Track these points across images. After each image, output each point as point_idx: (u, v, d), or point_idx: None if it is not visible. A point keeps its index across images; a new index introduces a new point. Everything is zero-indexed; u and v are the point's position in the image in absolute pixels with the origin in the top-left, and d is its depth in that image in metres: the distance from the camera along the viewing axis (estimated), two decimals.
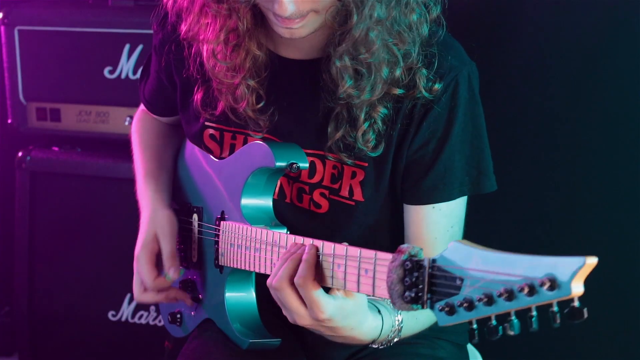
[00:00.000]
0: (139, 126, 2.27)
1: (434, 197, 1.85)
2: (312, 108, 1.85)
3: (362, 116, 1.78)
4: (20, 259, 3.03)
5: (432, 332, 1.95)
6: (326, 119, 1.83)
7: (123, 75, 2.92)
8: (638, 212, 2.38)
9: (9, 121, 3.04)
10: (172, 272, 1.97)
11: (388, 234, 1.95)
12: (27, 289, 3.04)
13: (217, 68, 1.86)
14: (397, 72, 1.76)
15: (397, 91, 1.79)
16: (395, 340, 1.80)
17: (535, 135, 2.50)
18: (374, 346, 1.80)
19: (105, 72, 2.93)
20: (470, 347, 2.14)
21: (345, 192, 1.89)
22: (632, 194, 2.38)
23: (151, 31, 2.05)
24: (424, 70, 1.79)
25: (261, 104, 1.88)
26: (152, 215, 2.04)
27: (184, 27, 1.87)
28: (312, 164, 1.89)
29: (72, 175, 2.99)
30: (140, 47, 2.89)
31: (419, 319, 1.84)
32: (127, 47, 2.90)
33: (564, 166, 2.48)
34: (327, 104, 1.81)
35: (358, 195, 1.87)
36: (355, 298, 1.65)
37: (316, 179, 1.90)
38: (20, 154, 3.01)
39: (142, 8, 2.93)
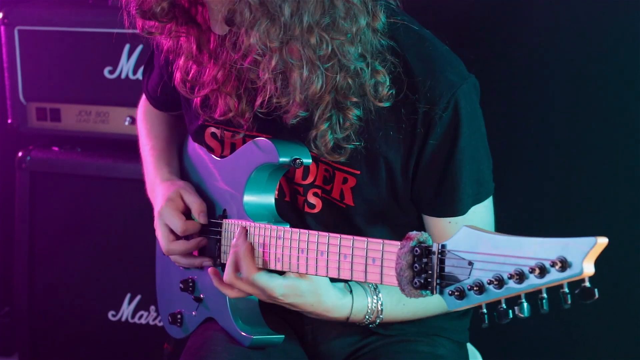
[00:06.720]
0: (146, 116, 2.28)
1: (446, 212, 1.86)
2: None
3: (317, 115, 1.75)
4: (20, 259, 3.03)
5: (432, 330, 1.97)
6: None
7: (123, 75, 2.91)
8: (638, 212, 2.39)
9: (9, 121, 3.04)
10: (202, 217, 1.96)
11: (380, 236, 1.94)
12: (27, 289, 3.03)
13: (188, 85, 1.87)
14: (340, 81, 1.72)
15: (353, 98, 1.75)
16: (378, 321, 1.84)
17: (534, 135, 2.49)
18: (355, 322, 1.85)
19: (105, 72, 2.93)
20: (469, 346, 2.15)
21: (336, 195, 1.89)
22: (632, 194, 2.38)
23: None
24: (380, 77, 1.75)
25: (239, 110, 1.85)
26: (171, 183, 2.04)
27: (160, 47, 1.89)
28: None
29: (72, 175, 2.99)
30: (140, 47, 2.88)
31: (406, 305, 1.86)
32: (127, 47, 2.89)
33: (563, 167, 2.47)
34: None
35: (349, 199, 1.88)
36: (309, 279, 1.72)
37: (309, 179, 1.90)
38: (20, 154, 3.01)
39: None
